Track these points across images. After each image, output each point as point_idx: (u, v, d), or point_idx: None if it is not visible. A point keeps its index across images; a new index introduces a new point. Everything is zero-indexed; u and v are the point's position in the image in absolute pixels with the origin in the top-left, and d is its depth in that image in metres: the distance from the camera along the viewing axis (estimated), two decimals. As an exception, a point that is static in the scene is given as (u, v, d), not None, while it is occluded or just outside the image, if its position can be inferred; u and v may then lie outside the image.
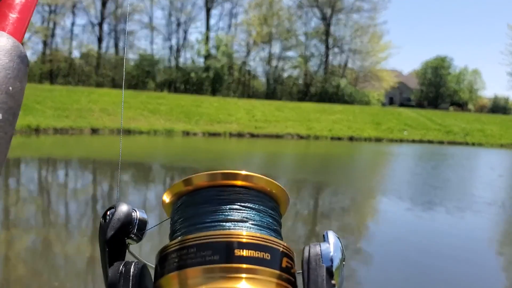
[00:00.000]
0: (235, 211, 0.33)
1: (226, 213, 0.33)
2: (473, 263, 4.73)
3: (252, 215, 0.33)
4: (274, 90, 42.44)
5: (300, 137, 24.35)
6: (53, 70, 34.51)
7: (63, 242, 4.77)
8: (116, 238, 0.34)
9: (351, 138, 25.23)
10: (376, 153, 19.85)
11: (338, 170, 12.77)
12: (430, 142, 26.18)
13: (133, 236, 0.35)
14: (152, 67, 35.76)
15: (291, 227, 6.21)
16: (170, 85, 37.57)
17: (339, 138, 24.89)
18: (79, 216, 5.94)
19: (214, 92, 36.78)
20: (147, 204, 7.05)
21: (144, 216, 0.36)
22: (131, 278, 0.32)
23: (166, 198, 0.36)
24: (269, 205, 0.35)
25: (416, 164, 15.17)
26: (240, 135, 23.18)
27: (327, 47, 43.90)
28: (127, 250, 0.36)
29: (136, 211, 0.36)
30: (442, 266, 4.27)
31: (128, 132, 20.54)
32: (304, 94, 42.38)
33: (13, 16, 0.32)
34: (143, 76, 35.81)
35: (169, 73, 37.44)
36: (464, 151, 21.97)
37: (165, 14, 40.23)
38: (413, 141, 26.13)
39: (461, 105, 52.20)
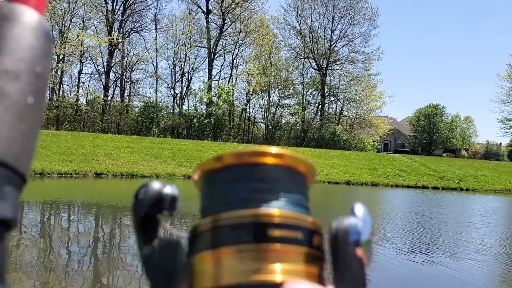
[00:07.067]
0: (267, 189, 0.33)
1: (258, 192, 0.32)
2: None
3: (283, 193, 0.33)
4: (273, 135, 43.52)
5: (298, 181, 24.80)
6: (60, 116, 35.41)
7: (63, 286, 4.77)
8: (149, 215, 0.34)
9: (348, 183, 25.66)
10: (373, 200, 20.12)
11: (334, 214, 13.34)
12: (424, 187, 26.54)
13: (165, 212, 0.35)
14: (156, 114, 36.86)
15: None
16: (173, 131, 38.58)
17: (336, 183, 25.33)
18: (80, 259, 5.91)
19: (215, 137, 37.67)
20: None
21: (176, 191, 0.36)
22: (165, 254, 0.33)
23: (196, 173, 0.36)
24: (299, 181, 0.35)
25: (409, 212, 15.50)
26: (240, 179, 23.68)
27: (323, 96, 45.46)
28: (160, 226, 0.35)
29: (167, 187, 0.35)
30: None
31: (131, 176, 20.99)
32: (302, 139, 43.40)
33: None
34: (148, 122, 36.77)
35: (172, 119, 38.60)
36: (457, 199, 22.14)
37: (169, 64, 41.81)
38: (408, 186, 26.52)
39: (454, 151, 53.07)
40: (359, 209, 0.33)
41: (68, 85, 38.07)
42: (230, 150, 0.34)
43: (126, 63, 39.63)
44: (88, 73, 40.12)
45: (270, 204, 0.32)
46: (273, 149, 0.33)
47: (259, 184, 0.33)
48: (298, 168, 0.35)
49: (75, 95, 37.64)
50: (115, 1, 38.76)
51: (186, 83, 41.50)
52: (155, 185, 0.36)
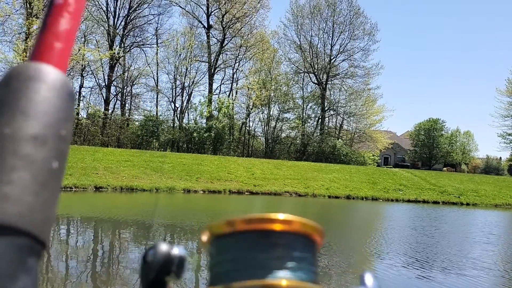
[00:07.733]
0: (276, 257, 0.32)
1: (268, 260, 0.32)
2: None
3: (292, 260, 0.33)
4: (273, 149, 43.60)
5: (298, 195, 24.79)
6: (60, 130, 35.56)
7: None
8: (158, 278, 0.34)
9: (348, 197, 25.65)
10: (373, 214, 20.08)
11: (334, 231, 13.14)
12: (425, 202, 26.50)
13: (173, 274, 0.35)
14: (156, 128, 36.98)
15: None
16: (173, 145, 38.66)
17: (337, 197, 25.30)
18: (79, 273, 5.92)
19: (215, 151, 37.74)
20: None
21: (183, 253, 0.35)
22: None
23: (206, 235, 0.35)
24: (307, 246, 0.34)
25: (408, 226, 15.51)
26: (239, 192, 23.56)
27: (323, 110, 45.63)
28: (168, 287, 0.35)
29: (175, 249, 0.35)
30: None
31: (131, 190, 21.00)
32: (302, 153, 43.43)
33: (58, 46, 0.29)
34: (148, 136, 36.89)
35: (172, 133, 38.68)
36: (457, 213, 22.07)
37: (170, 78, 42.12)
38: (409, 201, 26.50)
39: (454, 166, 53.01)
40: (369, 279, 0.33)
41: (69, 99, 38.20)
42: (241, 216, 0.33)
43: (127, 77, 39.93)
44: (89, 87, 40.31)
45: (279, 274, 0.32)
46: (281, 216, 0.33)
47: (269, 252, 0.32)
48: (306, 234, 0.34)
49: (76, 108, 37.84)
50: (117, 16, 39.26)
51: (187, 97, 41.78)
52: (163, 247, 0.35)
